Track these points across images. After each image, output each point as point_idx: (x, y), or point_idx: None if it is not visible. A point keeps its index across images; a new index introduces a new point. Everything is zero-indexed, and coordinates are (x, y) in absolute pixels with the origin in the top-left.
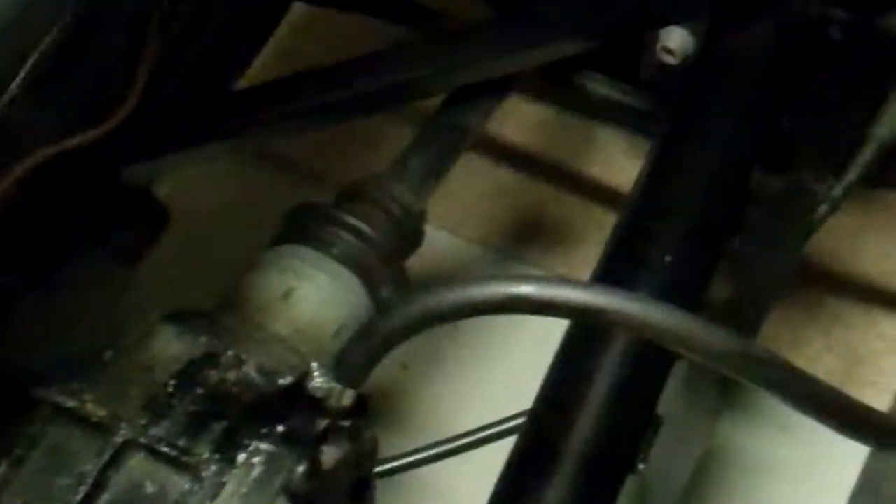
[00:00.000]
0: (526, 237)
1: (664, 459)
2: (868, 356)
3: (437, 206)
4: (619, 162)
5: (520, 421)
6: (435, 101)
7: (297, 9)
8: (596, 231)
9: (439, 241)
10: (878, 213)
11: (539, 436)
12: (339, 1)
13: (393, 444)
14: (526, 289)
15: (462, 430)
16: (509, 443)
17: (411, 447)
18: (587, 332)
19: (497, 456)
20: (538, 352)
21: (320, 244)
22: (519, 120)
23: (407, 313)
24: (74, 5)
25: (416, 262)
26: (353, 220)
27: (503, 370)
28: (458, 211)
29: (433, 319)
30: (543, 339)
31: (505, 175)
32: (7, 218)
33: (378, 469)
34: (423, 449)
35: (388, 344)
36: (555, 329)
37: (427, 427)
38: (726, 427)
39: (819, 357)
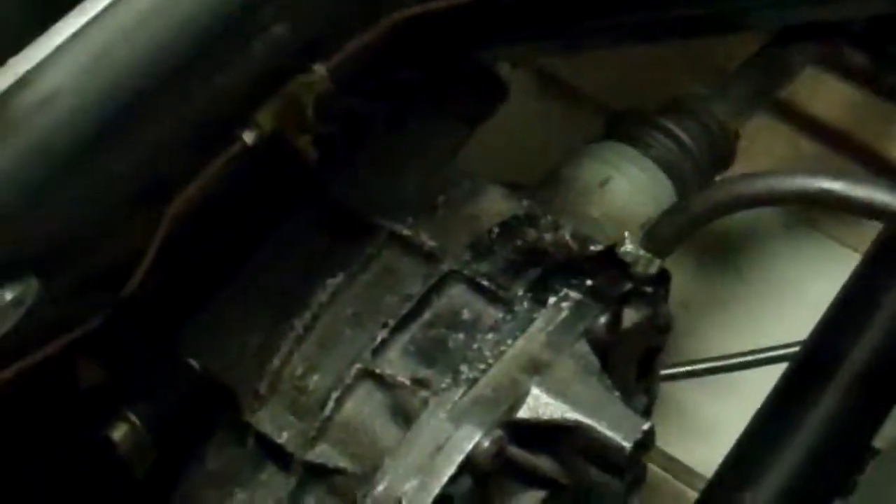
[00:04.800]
0: None
1: None
2: None
3: (735, 163)
4: None
5: (791, 350)
6: None
7: None
8: None
9: None
10: None
11: (813, 360)
12: None
13: None
14: (834, 185)
15: None
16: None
17: None
18: (875, 270)
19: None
20: (818, 292)
21: (640, 144)
22: (828, 96)
23: (719, 195)
24: None
25: None
26: (672, 128)
27: (784, 311)
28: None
29: (742, 203)
30: (822, 278)
31: (806, 146)
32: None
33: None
34: (699, 361)
35: (698, 222)
36: (835, 271)
37: None
38: None
39: None
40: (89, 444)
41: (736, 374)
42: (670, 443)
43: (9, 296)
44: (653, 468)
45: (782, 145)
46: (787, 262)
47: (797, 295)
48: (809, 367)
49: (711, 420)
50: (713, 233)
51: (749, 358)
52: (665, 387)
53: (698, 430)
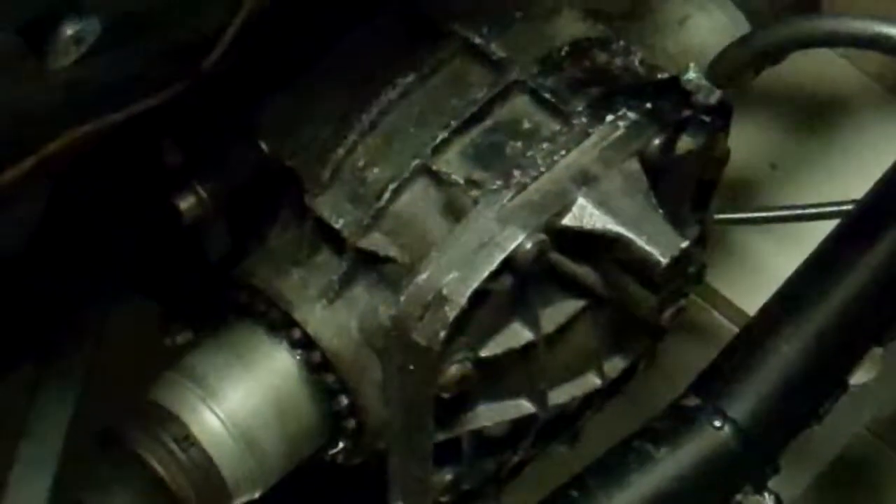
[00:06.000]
0: None
1: None
2: None
3: None
4: None
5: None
6: None
7: None
8: None
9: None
10: None
11: (867, 215)
12: None
13: None
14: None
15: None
16: None
17: None
18: None
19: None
20: None
21: None
22: None
23: (784, 31)
24: None
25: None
26: None
27: (871, 178)
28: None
29: (807, 41)
30: None
31: None
32: None
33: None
34: (765, 209)
35: (763, 56)
36: None
37: None
38: None
39: None
40: (163, 215)
41: (807, 228)
42: (737, 293)
43: (69, 31)
44: (717, 316)
45: None
46: (879, 130)
47: (886, 162)
48: (862, 220)
49: (780, 273)
50: (805, 96)
51: (815, 210)
52: (733, 237)
53: (767, 282)
